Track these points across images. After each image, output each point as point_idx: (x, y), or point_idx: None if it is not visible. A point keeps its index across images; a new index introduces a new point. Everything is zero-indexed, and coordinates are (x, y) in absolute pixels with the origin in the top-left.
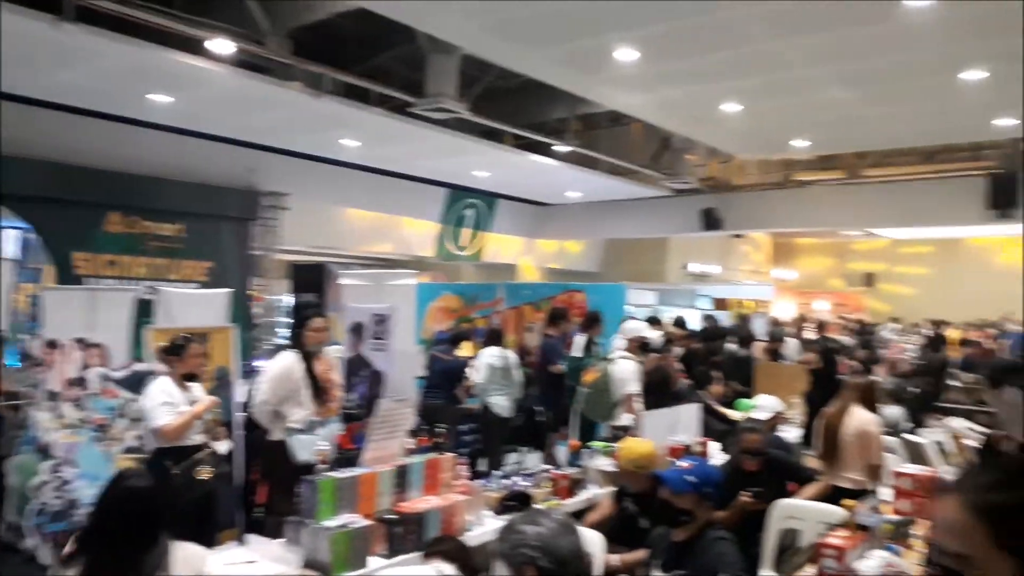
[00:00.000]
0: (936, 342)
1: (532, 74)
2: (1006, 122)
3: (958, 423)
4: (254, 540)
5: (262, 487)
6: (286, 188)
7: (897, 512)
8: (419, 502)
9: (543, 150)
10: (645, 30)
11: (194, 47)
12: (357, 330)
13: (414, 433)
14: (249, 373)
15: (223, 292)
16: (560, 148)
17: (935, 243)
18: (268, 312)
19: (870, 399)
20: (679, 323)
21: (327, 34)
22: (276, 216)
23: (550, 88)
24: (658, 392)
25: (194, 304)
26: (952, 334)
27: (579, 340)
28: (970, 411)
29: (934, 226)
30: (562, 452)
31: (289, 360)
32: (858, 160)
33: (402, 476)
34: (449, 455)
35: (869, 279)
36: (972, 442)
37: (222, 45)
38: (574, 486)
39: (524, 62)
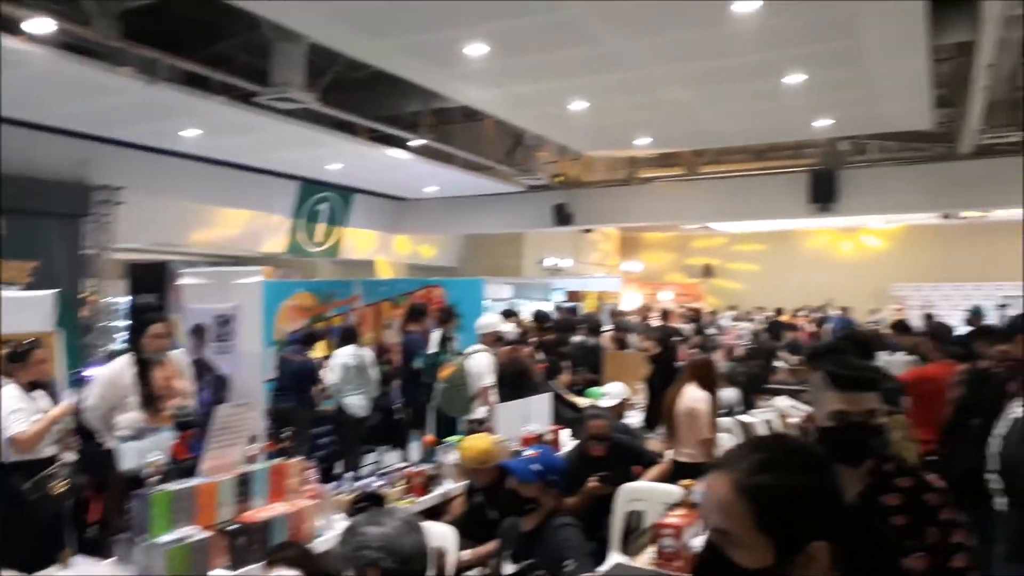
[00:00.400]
0: (775, 327)
1: (381, 65)
2: (823, 123)
3: (784, 402)
4: (81, 562)
5: (96, 502)
6: (121, 181)
7: None
8: (264, 510)
9: (398, 143)
10: (494, 25)
11: (11, 27)
12: (198, 332)
13: (262, 438)
14: (78, 381)
15: (48, 294)
16: (415, 142)
17: (766, 236)
18: (102, 315)
19: (705, 379)
20: (538, 317)
21: (164, 18)
22: (110, 212)
23: (403, 80)
24: (514, 384)
25: (15, 308)
26: (783, 320)
27: (435, 336)
28: (794, 391)
29: (763, 219)
30: (417, 449)
31: (120, 365)
32: (696, 157)
33: (244, 484)
34: (296, 460)
35: (708, 270)
36: (796, 420)
37: (41, 24)
38: (429, 483)
39: (372, 53)
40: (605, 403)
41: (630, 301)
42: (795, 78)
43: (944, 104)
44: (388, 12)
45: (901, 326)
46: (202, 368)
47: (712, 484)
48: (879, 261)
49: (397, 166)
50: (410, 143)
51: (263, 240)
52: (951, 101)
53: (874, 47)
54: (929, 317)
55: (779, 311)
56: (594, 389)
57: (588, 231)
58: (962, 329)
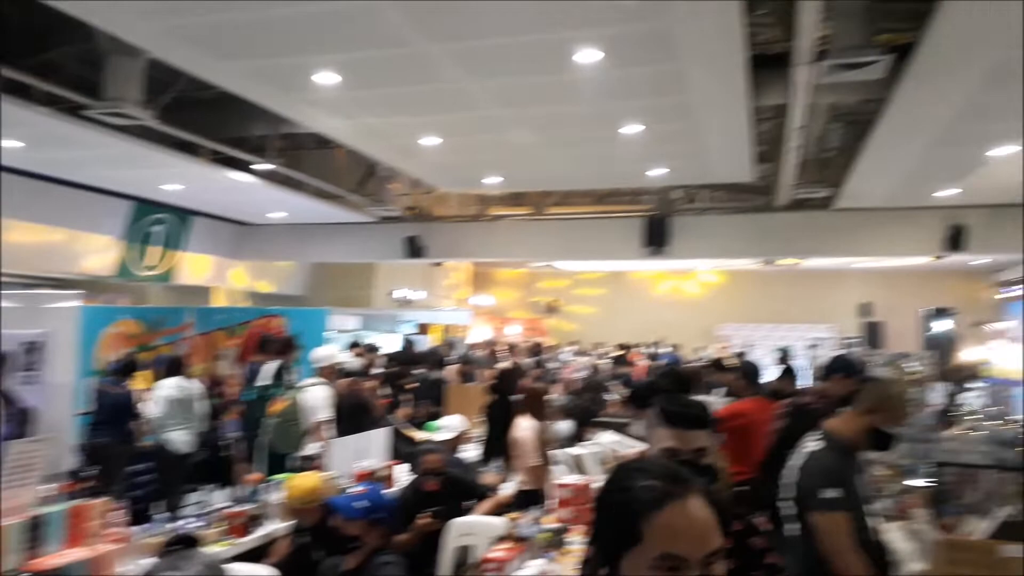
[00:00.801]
0: (620, 360)
1: (226, 87)
2: (657, 172)
3: (608, 437)
4: None
5: None
6: None
7: (559, 520)
8: (57, 556)
9: (244, 167)
10: (345, 55)
11: None
12: (0, 361)
13: (63, 477)
14: None
15: None
16: (261, 166)
17: (606, 276)
18: None
19: (536, 409)
20: (371, 348)
21: None
22: None
23: (251, 103)
24: (352, 418)
25: None
26: (613, 354)
27: (269, 367)
28: (620, 424)
29: (603, 259)
30: (241, 487)
31: None
32: (543, 198)
33: (36, 528)
34: (100, 500)
35: (552, 307)
36: (623, 453)
37: None
38: (251, 523)
39: (217, 73)
40: (441, 437)
41: (480, 334)
42: (632, 128)
43: (764, 160)
44: (234, 32)
45: (718, 364)
46: (4, 401)
47: (697, 507)
48: (706, 302)
49: (241, 189)
50: (256, 167)
51: (86, 261)
52: (770, 157)
53: (702, 104)
54: (741, 356)
55: (624, 347)
56: (432, 423)
57: (440, 264)
58: (773, 368)
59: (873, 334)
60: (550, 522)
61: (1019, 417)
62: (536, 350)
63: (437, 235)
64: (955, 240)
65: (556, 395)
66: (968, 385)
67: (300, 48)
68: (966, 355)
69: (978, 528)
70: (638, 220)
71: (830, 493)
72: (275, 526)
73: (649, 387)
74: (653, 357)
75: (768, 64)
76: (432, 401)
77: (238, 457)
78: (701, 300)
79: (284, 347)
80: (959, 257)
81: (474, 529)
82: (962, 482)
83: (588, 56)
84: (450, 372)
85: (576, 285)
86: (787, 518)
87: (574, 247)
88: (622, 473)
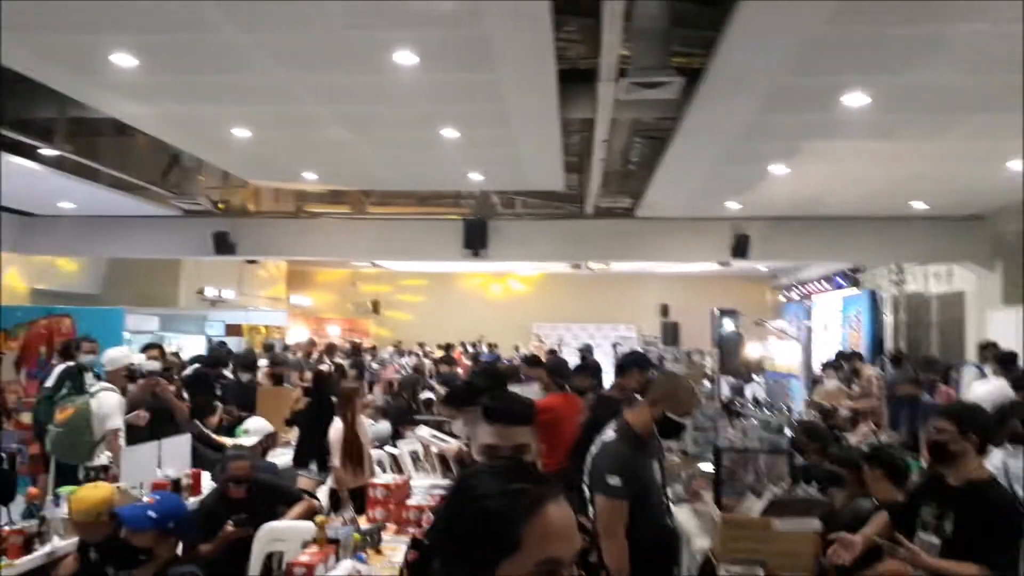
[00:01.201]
0: (443, 360)
1: (9, 64)
2: (476, 176)
3: (424, 432)
4: None
5: None
6: None
7: (372, 520)
8: None
9: (28, 152)
10: (144, 37)
11: None
12: None
13: None
14: None
15: None
16: (48, 152)
17: (429, 276)
18: None
19: (352, 410)
20: (175, 352)
21: None
22: None
23: (38, 83)
24: (152, 424)
25: None
26: (437, 354)
27: (56, 371)
28: (439, 422)
29: (424, 260)
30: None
31: None
32: (364, 197)
33: None
34: None
35: (375, 306)
36: (436, 450)
37: None
38: (30, 542)
39: None
40: (248, 441)
41: (297, 335)
42: (451, 133)
43: (574, 170)
44: (18, 2)
45: (533, 360)
46: None
47: (565, 507)
48: (524, 302)
49: (24, 176)
50: (43, 152)
51: None
52: (579, 168)
53: (517, 114)
54: (552, 353)
55: (446, 347)
56: (238, 427)
57: (253, 262)
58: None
59: (670, 333)
60: (364, 523)
61: (788, 406)
62: (355, 351)
63: (250, 231)
64: (740, 248)
65: (375, 396)
66: (751, 378)
67: (95, 26)
68: (750, 352)
69: (753, 506)
70: (459, 223)
71: (613, 480)
72: (61, 543)
73: (467, 386)
74: (475, 357)
75: (577, 79)
76: (241, 405)
77: (27, 470)
78: (518, 300)
79: (68, 349)
80: (744, 263)
81: (283, 535)
82: (741, 465)
83: (405, 58)
84: (261, 375)
85: (398, 286)
86: (588, 502)
87: (395, 247)
88: (478, 480)
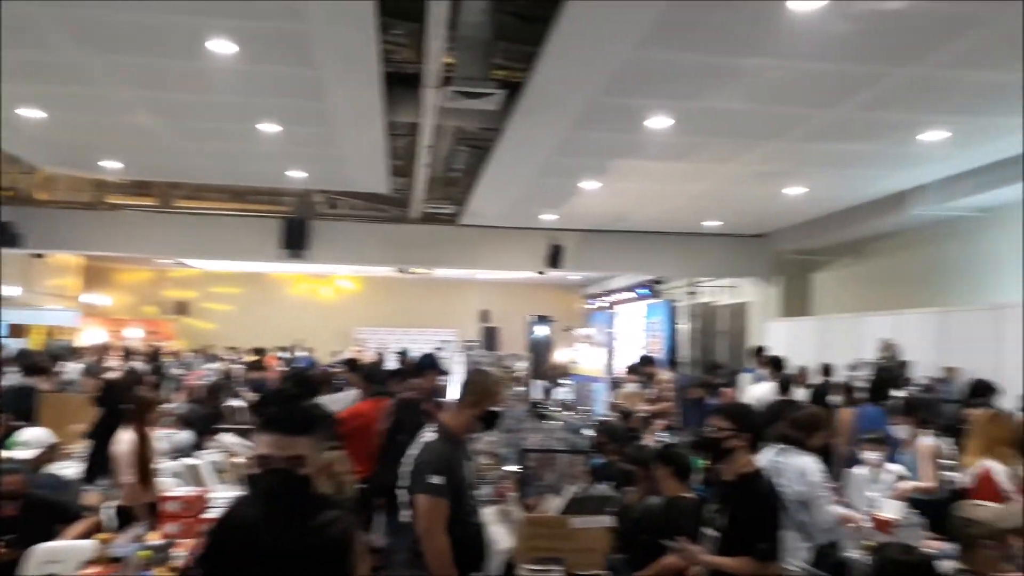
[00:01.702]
0: (255, 365)
1: None
2: (297, 174)
3: (229, 439)
4: None
5: None
6: None
7: (165, 536)
8: None
9: None
10: None
11: None
12: None
13: None
14: None
15: None
16: None
17: (244, 276)
18: None
19: (144, 420)
20: None
21: None
22: None
23: None
24: None
25: None
26: (249, 358)
27: None
28: (243, 429)
29: (238, 260)
30: None
31: None
32: (171, 190)
33: None
34: None
35: (182, 307)
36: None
37: None
38: None
39: None
40: (23, 454)
41: (92, 337)
42: (269, 127)
43: (400, 174)
44: None
45: (352, 365)
46: None
47: None
48: (345, 306)
49: None
50: None
51: None
52: (404, 172)
53: (340, 113)
54: (403, 356)
55: (259, 351)
56: (11, 438)
57: (41, 256)
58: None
59: (490, 338)
60: (155, 538)
61: (590, 408)
62: (154, 355)
63: (39, 222)
64: (554, 258)
65: (177, 403)
66: (560, 381)
67: None
68: (559, 356)
69: (553, 505)
70: (277, 221)
71: (435, 479)
72: None
73: (277, 392)
74: (289, 361)
75: (403, 83)
76: (17, 413)
77: None
78: (339, 304)
79: None
80: (558, 272)
81: (58, 555)
82: (543, 466)
83: (222, 46)
84: (44, 380)
85: (209, 286)
86: (403, 505)
87: (206, 245)
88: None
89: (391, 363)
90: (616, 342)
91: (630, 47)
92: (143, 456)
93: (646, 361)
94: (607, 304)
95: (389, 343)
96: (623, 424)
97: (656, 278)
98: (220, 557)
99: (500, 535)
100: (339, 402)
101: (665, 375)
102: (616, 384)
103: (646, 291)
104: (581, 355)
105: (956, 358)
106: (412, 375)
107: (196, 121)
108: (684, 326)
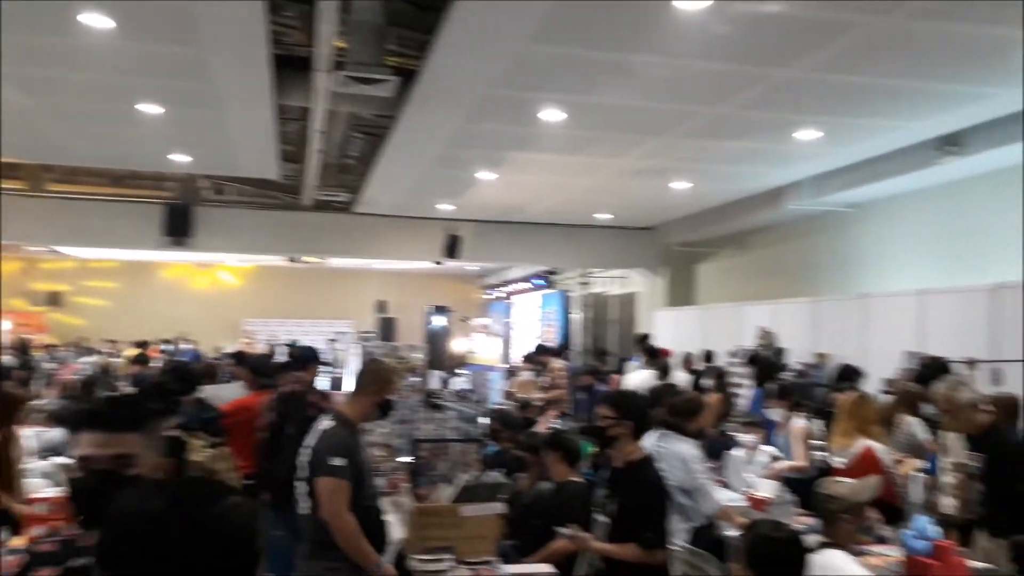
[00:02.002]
0: (137, 359)
1: None
2: (181, 158)
3: None
4: None
5: None
6: None
7: (32, 540)
8: None
9: None
10: None
11: None
12: None
13: None
14: None
15: None
16: None
17: (123, 265)
18: None
19: (7, 418)
20: None
21: None
22: None
23: None
24: None
25: None
26: (130, 352)
27: None
28: None
29: (116, 247)
30: None
31: None
32: (43, 172)
33: None
34: None
35: (55, 299)
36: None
37: None
38: None
39: None
40: None
41: None
42: (150, 108)
43: (291, 159)
44: None
45: (239, 357)
46: None
47: None
48: (234, 297)
49: None
50: None
51: None
52: (296, 158)
53: (227, 94)
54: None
55: (141, 344)
56: None
57: None
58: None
59: (387, 328)
60: (20, 543)
61: (486, 397)
62: (23, 348)
63: None
64: (452, 248)
65: (48, 399)
66: (457, 371)
67: None
68: (456, 346)
69: (445, 494)
70: (158, 207)
71: (337, 461)
72: None
73: (157, 387)
74: (172, 355)
75: (294, 66)
76: None
77: None
78: (227, 295)
79: None
80: (456, 263)
81: None
82: (436, 455)
83: (96, 21)
84: None
85: (86, 275)
86: (302, 497)
87: (81, 232)
88: None
89: (282, 356)
90: (513, 332)
91: (522, 40)
92: (7, 457)
93: (541, 350)
94: (504, 294)
95: (280, 335)
96: (519, 412)
97: (551, 269)
98: (119, 554)
99: (392, 526)
100: (223, 395)
101: (558, 363)
102: (512, 373)
103: (542, 281)
104: (478, 345)
105: (827, 344)
106: (295, 368)
107: (69, 100)
108: (577, 315)
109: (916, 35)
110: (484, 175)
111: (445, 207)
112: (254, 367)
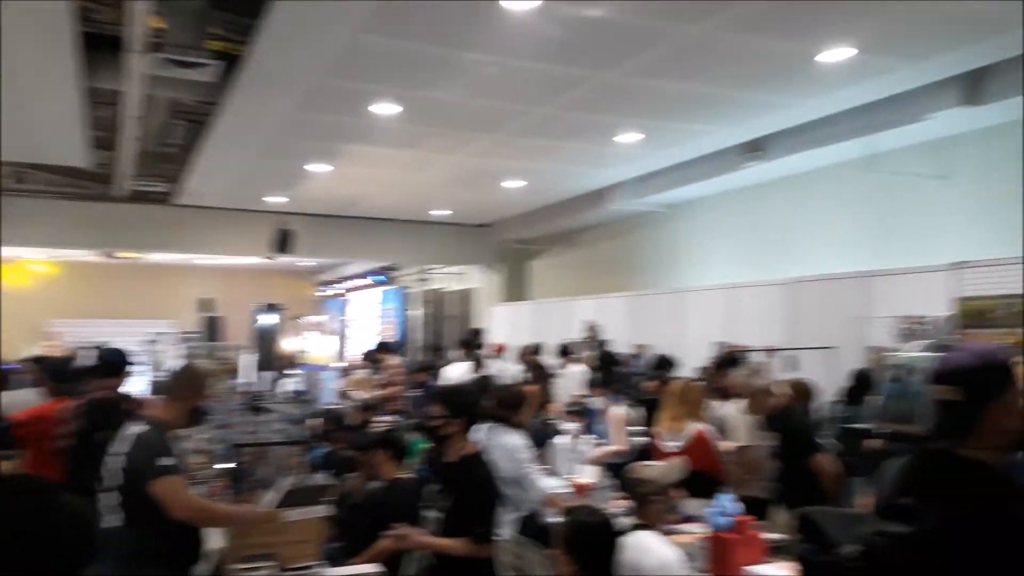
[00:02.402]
0: None
1: None
2: None
3: None
4: None
5: None
6: None
7: None
8: None
9: None
10: None
11: None
12: None
13: None
14: None
15: None
16: None
17: None
18: None
19: None
20: None
21: None
22: None
23: None
24: None
25: None
26: None
27: None
28: None
29: None
30: None
31: None
32: None
33: None
34: None
35: None
36: None
37: None
38: None
39: None
40: None
41: None
42: None
43: (104, 147)
44: None
45: (39, 361)
46: None
47: None
48: (38, 296)
49: None
50: None
51: None
52: (109, 145)
53: (26, 75)
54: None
55: None
56: None
57: None
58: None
59: (212, 328)
60: None
61: (316, 397)
62: None
63: None
64: (283, 243)
65: None
66: (287, 372)
67: None
68: (287, 345)
69: (267, 500)
70: None
71: (168, 460)
72: None
73: None
74: None
75: (105, 46)
76: None
77: None
78: (30, 294)
79: None
80: (288, 258)
81: None
82: (257, 460)
83: None
84: None
85: None
86: (109, 509)
87: None
88: None
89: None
90: (349, 329)
91: (351, 29)
92: None
93: (382, 347)
94: (341, 291)
95: (93, 337)
96: (357, 411)
97: (390, 264)
98: None
99: (210, 536)
100: (17, 403)
101: (394, 360)
102: (346, 372)
103: (381, 278)
104: (311, 344)
105: (647, 336)
106: (105, 373)
107: None
108: (417, 312)
109: (724, 46)
110: (316, 167)
111: (275, 200)
112: (52, 372)
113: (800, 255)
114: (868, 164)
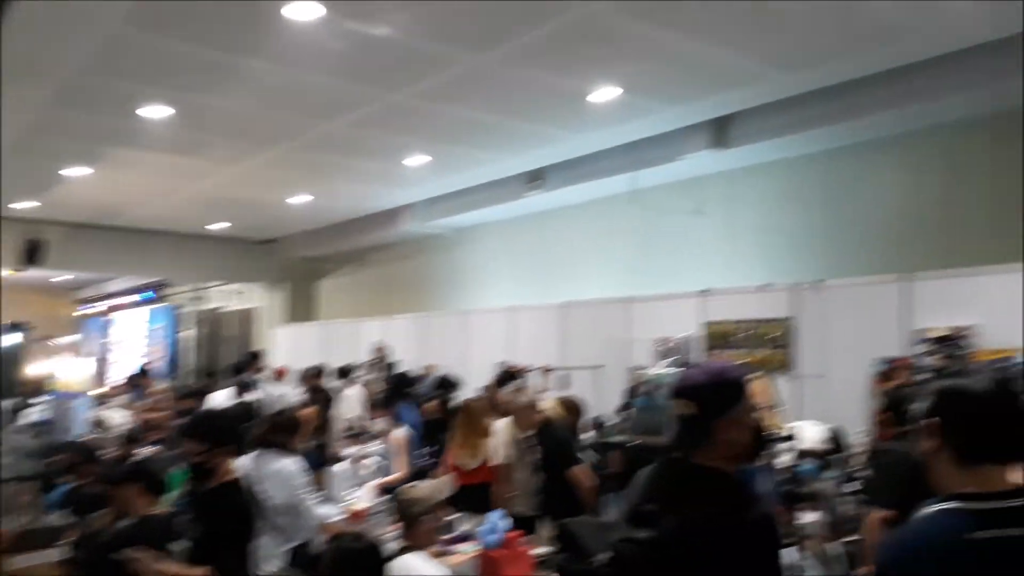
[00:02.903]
0: None
1: None
2: None
3: None
4: None
5: None
6: None
7: None
8: None
9: None
10: None
11: None
12: None
13: None
14: None
15: None
16: None
17: None
18: None
19: None
20: None
21: None
22: None
23: None
24: None
25: None
26: None
27: None
28: None
29: None
30: None
31: None
32: None
33: None
34: None
35: None
36: None
37: None
38: None
39: None
40: None
41: None
42: None
43: None
44: None
45: None
46: None
47: None
48: None
49: None
50: None
51: None
52: None
53: None
54: None
55: None
56: None
57: None
58: None
59: None
60: None
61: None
62: None
63: None
64: (32, 254)
65: None
66: (31, 401)
67: None
68: (33, 370)
69: None
70: None
71: None
72: None
73: None
74: None
75: None
76: None
77: None
78: None
79: None
80: (43, 272)
81: None
82: None
83: None
84: None
85: None
86: None
87: None
88: None
89: None
90: (112, 352)
91: (113, 23)
92: None
93: (143, 373)
94: (103, 309)
95: None
96: (112, 441)
97: (160, 281)
98: None
99: None
100: None
101: (160, 386)
102: (103, 399)
103: (149, 295)
104: (63, 368)
105: (434, 356)
106: None
107: None
108: (189, 333)
109: (508, 77)
110: (74, 170)
111: (24, 205)
112: None
113: (574, 280)
114: (632, 198)
